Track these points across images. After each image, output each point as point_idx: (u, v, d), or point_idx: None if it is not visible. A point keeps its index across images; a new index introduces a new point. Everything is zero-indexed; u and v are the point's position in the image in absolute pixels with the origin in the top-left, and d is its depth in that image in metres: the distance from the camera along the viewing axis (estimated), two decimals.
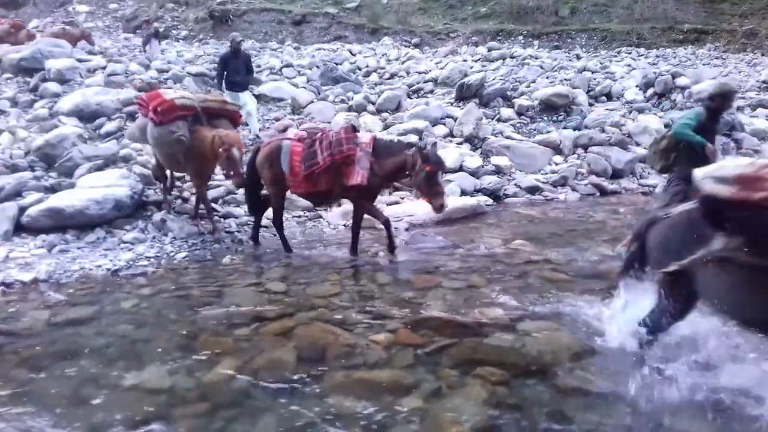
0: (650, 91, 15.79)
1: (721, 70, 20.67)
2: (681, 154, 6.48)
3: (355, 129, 6.71)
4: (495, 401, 3.51)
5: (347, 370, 3.95)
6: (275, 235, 7.33)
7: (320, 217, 8.66)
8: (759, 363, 3.76)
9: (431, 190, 6.09)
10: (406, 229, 8.07)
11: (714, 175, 3.22)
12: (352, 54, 22.18)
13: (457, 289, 5.56)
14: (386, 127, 12.71)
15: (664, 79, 15.70)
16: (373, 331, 4.57)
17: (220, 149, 6.79)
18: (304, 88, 15.78)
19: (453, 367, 3.95)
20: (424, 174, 6.02)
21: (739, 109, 15.43)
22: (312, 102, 14.58)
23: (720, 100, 6.55)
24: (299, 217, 8.58)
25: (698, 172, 3.37)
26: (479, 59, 21.18)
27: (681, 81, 15.89)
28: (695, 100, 14.74)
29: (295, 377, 3.88)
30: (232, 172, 6.92)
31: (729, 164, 3.32)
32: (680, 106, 14.81)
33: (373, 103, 14.30)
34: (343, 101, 14.67)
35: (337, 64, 18.94)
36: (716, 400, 3.45)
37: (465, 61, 20.64)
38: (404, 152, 6.32)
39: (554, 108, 14.36)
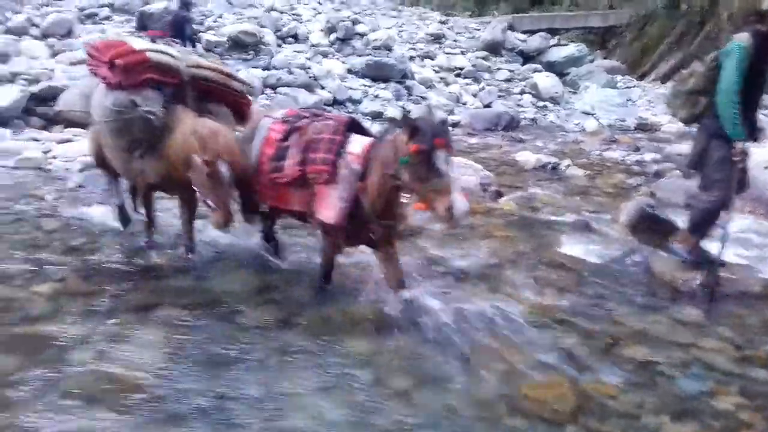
0: (333, 35, 16.50)
1: (397, 20, 22.52)
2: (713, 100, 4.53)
3: (355, 126, 4.14)
4: (174, 343, 3.45)
5: (5, 327, 3.51)
6: None
7: None
8: None
9: (426, 186, 3.38)
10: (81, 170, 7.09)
11: None
12: None
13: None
14: (54, 55, 11.27)
15: (346, 25, 16.53)
16: (37, 281, 4.11)
17: (197, 159, 3.81)
18: None
19: (129, 313, 3.77)
20: (408, 160, 3.39)
21: (411, 59, 17.06)
22: None
23: None
24: None
25: None
26: None
27: (360, 28, 16.92)
28: (373, 48, 15.90)
29: None
30: (213, 202, 3.86)
31: None
32: (359, 52, 15.79)
33: (37, 26, 12.55)
34: None
35: None
36: None
37: None
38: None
39: (243, 46, 14.23)
